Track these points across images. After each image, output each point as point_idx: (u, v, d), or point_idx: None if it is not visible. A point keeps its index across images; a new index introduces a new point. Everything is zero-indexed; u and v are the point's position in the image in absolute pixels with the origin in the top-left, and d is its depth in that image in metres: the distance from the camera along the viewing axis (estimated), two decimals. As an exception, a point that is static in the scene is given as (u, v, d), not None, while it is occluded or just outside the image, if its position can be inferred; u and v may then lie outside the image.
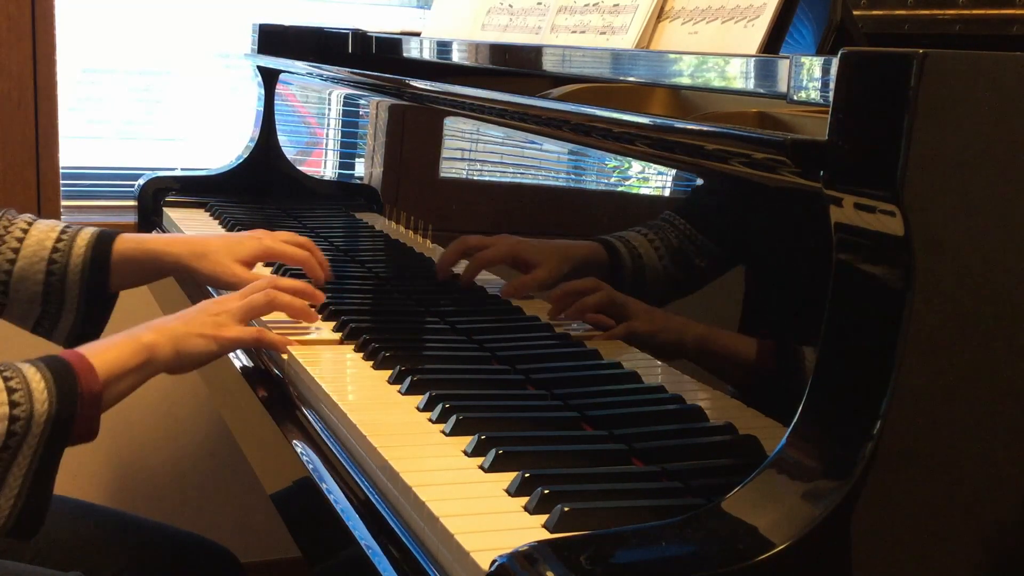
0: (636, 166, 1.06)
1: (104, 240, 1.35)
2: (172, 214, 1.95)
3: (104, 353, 1.09)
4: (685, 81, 1.04)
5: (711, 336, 0.96)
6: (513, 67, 1.36)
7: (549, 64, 1.29)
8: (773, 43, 1.07)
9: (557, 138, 1.18)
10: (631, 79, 1.17)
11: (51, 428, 1.00)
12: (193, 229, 1.82)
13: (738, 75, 0.97)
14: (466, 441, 0.96)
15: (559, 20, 1.39)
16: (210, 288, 1.48)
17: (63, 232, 1.35)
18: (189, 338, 1.15)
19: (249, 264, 1.39)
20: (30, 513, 1.02)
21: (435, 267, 1.42)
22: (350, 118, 1.84)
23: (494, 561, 0.69)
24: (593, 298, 1.10)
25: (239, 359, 1.29)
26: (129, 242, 1.37)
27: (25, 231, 1.34)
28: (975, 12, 1.27)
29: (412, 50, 1.69)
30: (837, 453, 0.70)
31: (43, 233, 1.34)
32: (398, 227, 1.59)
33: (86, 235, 1.35)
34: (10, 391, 0.99)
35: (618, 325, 1.06)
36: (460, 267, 1.36)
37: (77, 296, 1.34)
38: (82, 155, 2.43)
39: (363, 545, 0.87)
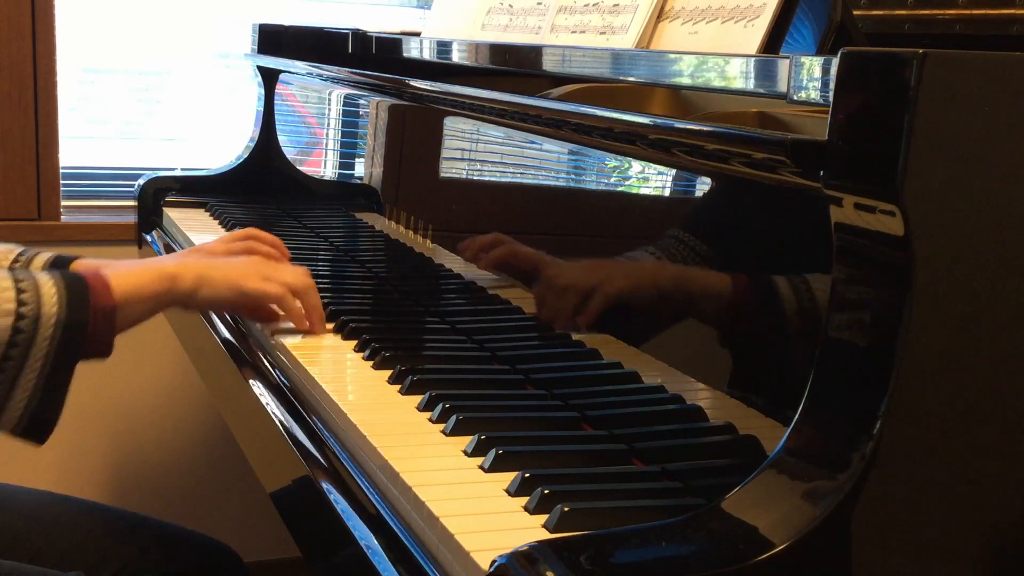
0: (636, 166, 1.06)
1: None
2: (172, 214, 1.95)
3: (125, 275, 1.11)
4: (685, 81, 1.04)
5: (710, 334, 0.96)
6: (513, 67, 1.36)
7: (549, 64, 1.29)
8: (773, 43, 1.07)
9: (557, 138, 1.18)
10: (631, 79, 1.16)
11: (61, 333, 1.03)
12: (193, 230, 1.82)
13: (738, 75, 0.97)
14: (466, 441, 0.96)
15: (559, 20, 1.39)
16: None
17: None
18: (214, 280, 1.17)
19: None
20: (41, 417, 1.04)
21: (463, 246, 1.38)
22: (350, 118, 1.84)
23: (494, 561, 0.69)
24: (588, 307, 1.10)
25: (239, 359, 1.29)
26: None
27: None
28: (975, 12, 1.27)
29: (412, 50, 1.69)
30: (837, 453, 0.70)
31: None
32: (398, 227, 1.59)
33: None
34: (19, 291, 1.02)
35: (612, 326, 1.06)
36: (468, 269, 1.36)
37: None
38: (82, 155, 2.43)
39: (363, 545, 0.87)
